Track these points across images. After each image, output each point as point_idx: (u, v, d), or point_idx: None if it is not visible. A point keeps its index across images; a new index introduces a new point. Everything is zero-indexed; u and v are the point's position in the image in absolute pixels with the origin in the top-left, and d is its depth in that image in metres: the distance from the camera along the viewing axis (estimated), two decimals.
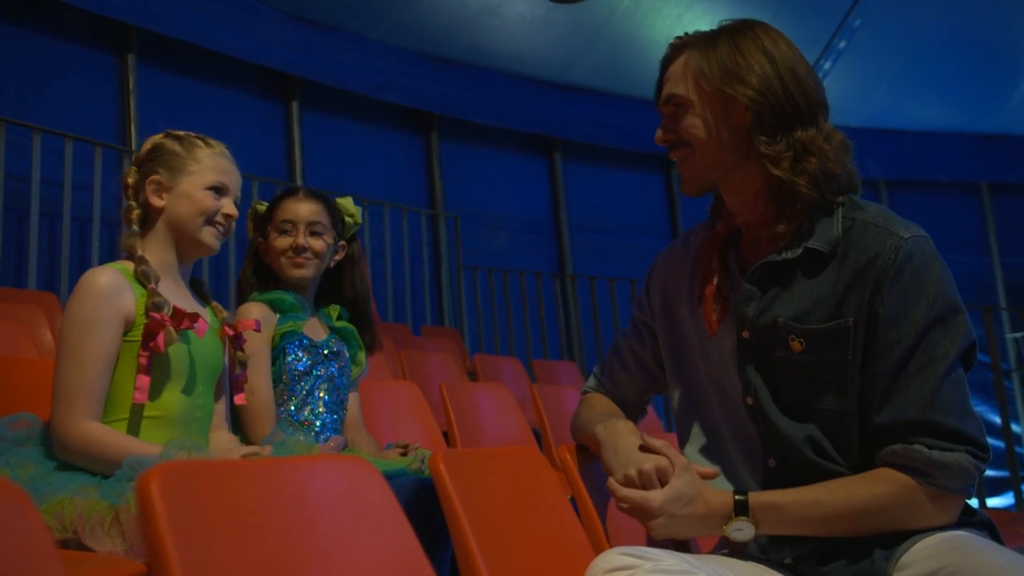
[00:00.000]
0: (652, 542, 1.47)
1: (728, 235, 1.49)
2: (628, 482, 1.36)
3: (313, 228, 2.17)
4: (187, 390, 1.71)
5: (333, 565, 0.98)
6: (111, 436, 1.57)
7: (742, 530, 1.33)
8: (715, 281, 1.46)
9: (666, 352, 1.58)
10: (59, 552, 0.75)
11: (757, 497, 1.34)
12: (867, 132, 7.94)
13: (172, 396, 1.68)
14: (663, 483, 1.35)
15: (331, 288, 2.28)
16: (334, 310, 2.26)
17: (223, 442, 1.80)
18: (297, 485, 1.01)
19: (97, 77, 5.35)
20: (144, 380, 1.64)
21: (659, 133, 1.47)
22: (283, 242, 2.15)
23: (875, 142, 8.10)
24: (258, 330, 1.97)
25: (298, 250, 2.14)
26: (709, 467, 1.46)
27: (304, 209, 2.18)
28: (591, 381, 1.73)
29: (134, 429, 1.64)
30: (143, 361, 1.63)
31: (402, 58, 6.68)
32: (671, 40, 1.49)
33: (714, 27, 1.46)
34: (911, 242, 1.33)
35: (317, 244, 2.16)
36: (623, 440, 1.44)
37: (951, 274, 1.35)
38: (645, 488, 1.34)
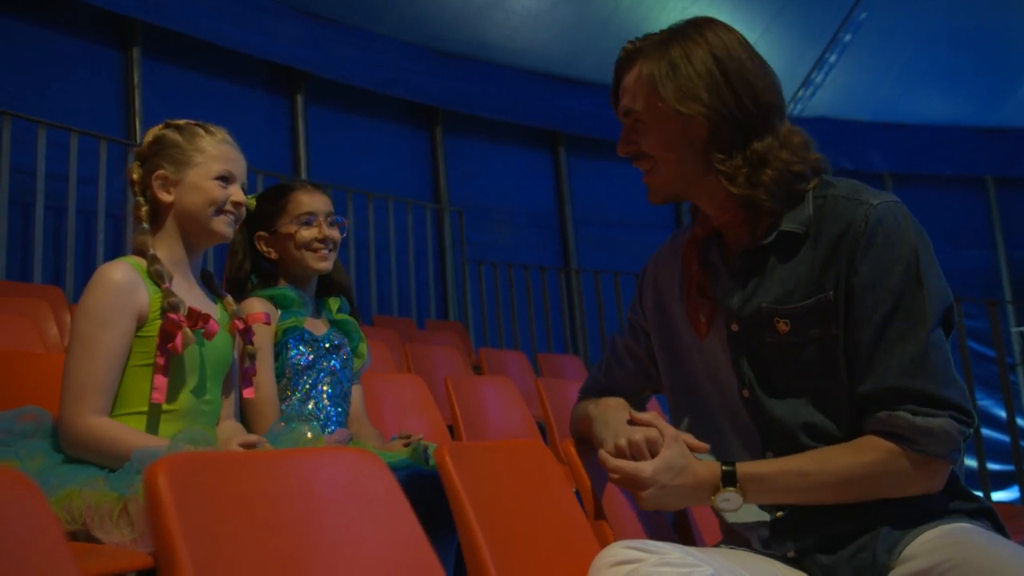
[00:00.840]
0: (656, 535, 1.48)
1: (709, 236, 1.49)
2: (618, 452, 1.37)
3: (330, 219, 2.18)
4: (198, 387, 1.71)
5: (339, 557, 0.99)
6: (119, 431, 1.57)
7: (729, 500, 1.34)
8: (696, 283, 1.47)
9: (660, 351, 1.58)
10: (69, 544, 0.75)
11: (744, 467, 1.35)
12: (872, 126, 7.93)
13: (184, 393, 1.68)
14: (653, 454, 1.36)
15: (324, 278, 2.26)
16: (334, 303, 2.25)
17: (225, 431, 1.81)
18: (304, 477, 1.01)
19: (102, 71, 5.36)
20: (162, 381, 1.63)
21: (619, 145, 1.46)
22: (309, 234, 2.13)
23: (880, 136, 8.09)
24: (268, 323, 1.97)
25: (324, 242, 2.14)
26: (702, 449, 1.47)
27: (321, 201, 2.19)
28: (589, 381, 1.72)
29: (152, 425, 1.64)
30: (161, 362, 1.63)
31: (407, 52, 6.68)
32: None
33: (665, 29, 1.44)
34: (881, 208, 1.33)
35: (335, 235, 2.17)
36: (613, 414, 1.46)
37: (927, 237, 1.35)
38: (635, 459, 1.36)
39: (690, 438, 1.41)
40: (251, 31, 5.89)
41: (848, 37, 7.53)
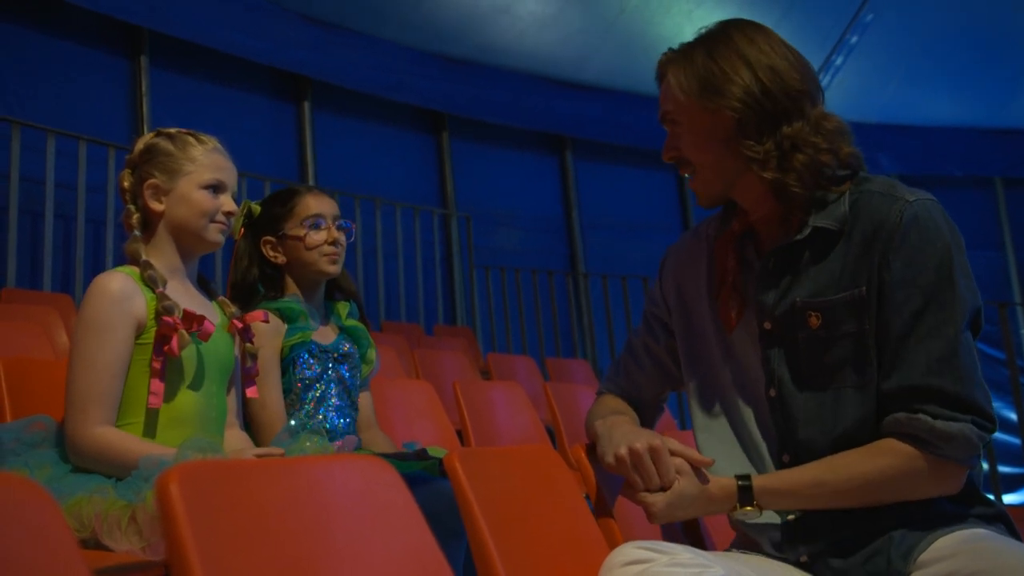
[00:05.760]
0: (666, 539, 1.47)
1: (744, 232, 1.49)
2: (619, 462, 1.36)
3: (337, 222, 2.16)
4: (201, 390, 1.71)
5: (350, 564, 0.99)
6: (125, 441, 1.58)
7: (747, 514, 1.36)
8: (731, 279, 1.46)
9: (682, 347, 1.57)
10: (81, 551, 0.76)
11: (760, 482, 1.35)
12: (880, 128, 7.91)
13: (186, 397, 1.69)
14: (655, 463, 1.34)
15: (330, 284, 2.24)
16: (343, 308, 2.23)
17: (236, 442, 1.81)
18: (315, 484, 1.01)
19: (110, 79, 5.38)
20: (159, 385, 1.64)
21: (663, 152, 1.48)
22: (319, 237, 2.11)
23: (888, 138, 8.06)
24: (266, 321, 1.97)
25: (334, 245, 2.12)
26: (719, 457, 1.46)
27: (328, 204, 2.17)
28: (606, 382, 1.71)
29: (150, 431, 1.64)
30: (157, 366, 1.64)
31: (413, 58, 6.68)
32: (683, 36, 1.49)
33: (694, 36, 1.45)
34: (916, 205, 1.33)
35: (342, 238, 2.15)
36: (618, 429, 1.44)
37: (961, 238, 1.34)
38: (636, 468, 1.34)
39: (695, 453, 1.40)
40: (257, 38, 5.90)
41: (855, 39, 7.52)
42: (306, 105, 6.33)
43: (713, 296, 1.51)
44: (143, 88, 5.44)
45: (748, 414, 1.46)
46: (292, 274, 2.15)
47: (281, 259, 2.14)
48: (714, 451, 1.48)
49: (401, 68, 6.63)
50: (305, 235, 2.11)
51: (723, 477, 1.38)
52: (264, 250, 2.14)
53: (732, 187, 1.44)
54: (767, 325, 1.41)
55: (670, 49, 1.47)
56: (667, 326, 1.61)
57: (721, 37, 1.41)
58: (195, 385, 1.70)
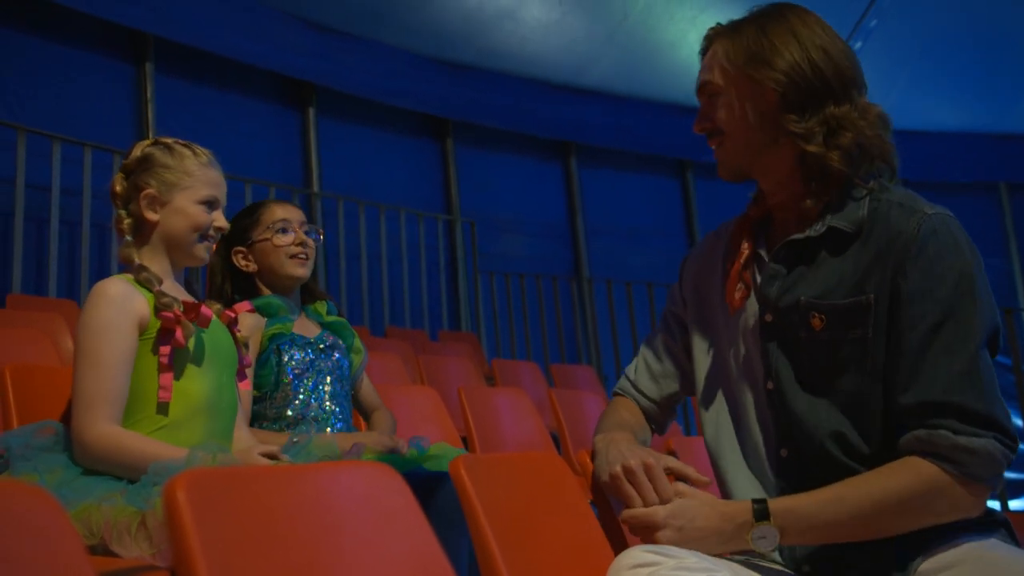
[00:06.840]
0: None
1: (760, 219, 1.48)
2: (614, 480, 1.34)
3: (305, 228, 2.24)
4: (209, 379, 1.73)
5: (356, 569, 0.99)
6: (132, 440, 1.59)
7: (765, 537, 1.28)
8: (742, 260, 1.45)
9: (693, 333, 1.57)
10: (90, 558, 0.76)
11: (776, 502, 1.30)
12: None
13: (196, 387, 1.70)
14: (651, 480, 1.32)
15: (305, 289, 2.32)
16: (321, 306, 2.31)
17: (241, 441, 1.82)
18: (321, 491, 1.02)
19: (115, 86, 5.39)
20: (168, 379, 1.66)
21: (696, 123, 1.47)
22: (285, 239, 2.19)
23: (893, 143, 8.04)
24: (252, 311, 2.04)
25: (301, 246, 2.20)
26: (720, 460, 1.46)
27: (294, 211, 2.27)
28: (622, 380, 1.69)
29: (163, 426, 1.65)
30: (164, 360, 1.66)
31: (417, 63, 6.69)
32: (686, 42, 1.49)
33: (746, 14, 1.45)
34: (935, 218, 1.32)
35: (311, 242, 2.24)
36: (615, 447, 1.41)
37: (980, 255, 1.33)
38: (632, 484, 1.32)
39: (692, 471, 1.37)
40: (262, 44, 5.92)
41: (859, 44, 7.52)
42: (311, 111, 6.35)
43: (722, 280, 1.50)
44: (148, 94, 5.45)
45: (748, 403, 1.45)
46: (264, 281, 2.23)
47: (252, 267, 2.22)
48: (719, 444, 1.48)
49: (405, 74, 6.64)
50: (272, 237, 2.19)
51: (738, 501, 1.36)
52: (235, 260, 2.23)
53: (757, 160, 1.43)
54: (768, 317, 1.41)
55: (719, 24, 1.47)
56: (683, 323, 1.61)
57: (775, 15, 1.41)
58: (203, 375, 1.72)
